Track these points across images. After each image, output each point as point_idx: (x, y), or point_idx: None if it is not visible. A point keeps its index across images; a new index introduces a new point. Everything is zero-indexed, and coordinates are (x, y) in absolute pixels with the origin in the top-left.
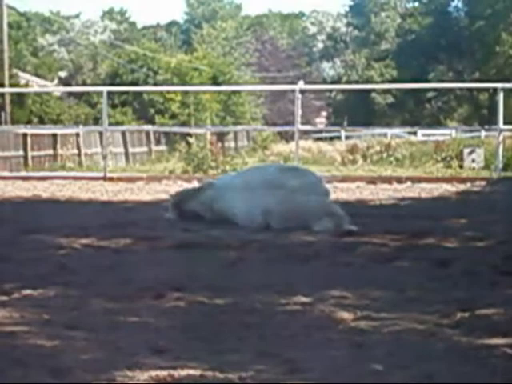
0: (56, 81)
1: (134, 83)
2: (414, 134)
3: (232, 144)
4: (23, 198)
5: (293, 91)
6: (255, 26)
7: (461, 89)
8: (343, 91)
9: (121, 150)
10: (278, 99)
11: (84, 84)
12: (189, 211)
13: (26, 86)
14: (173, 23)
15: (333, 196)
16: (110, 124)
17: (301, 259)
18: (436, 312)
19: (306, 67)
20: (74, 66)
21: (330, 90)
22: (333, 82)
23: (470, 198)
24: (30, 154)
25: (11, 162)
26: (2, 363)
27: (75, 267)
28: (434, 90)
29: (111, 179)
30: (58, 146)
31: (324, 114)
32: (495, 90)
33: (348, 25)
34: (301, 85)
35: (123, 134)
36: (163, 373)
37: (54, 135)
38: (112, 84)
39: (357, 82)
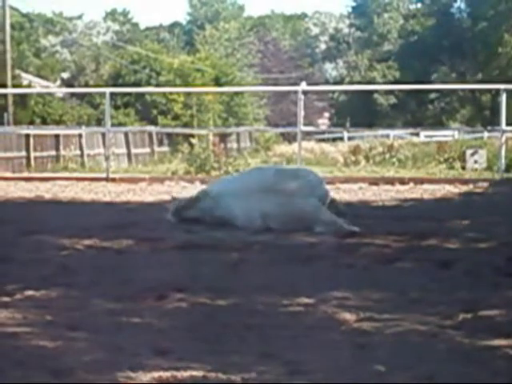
0: (58, 82)
1: (137, 84)
2: (417, 135)
3: (234, 145)
4: (26, 198)
5: (295, 92)
6: (258, 27)
7: (463, 90)
8: (346, 92)
9: (123, 150)
10: (280, 100)
11: (86, 85)
12: (189, 218)
13: (29, 86)
14: (175, 24)
15: (335, 197)
16: (113, 125)
17: (303, 260)
18: (438, 313)
19: (308, 68)
20: (76, 66)
21: (333, 91)
22: (335, 83)
23: (473, 199)
24: (32, 154)
25: (14, 163)
26: (4, 364)
27: (78, 268)
28: (437, 91)
29: (114, 180)
30: (61, 146)
31: (326, 115)
32: (498, 91)
33: (350, 26)
34: (303, 86)
35: (126, 134)
36: (166, 374)
37: (57, 136)
38: (114, 85)
39: (359, 83)
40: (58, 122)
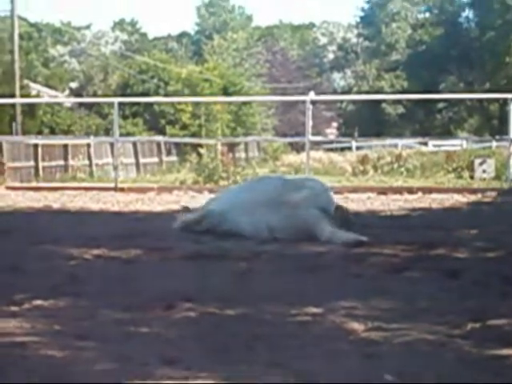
0: (67, 91)
1: (145, 94)
2: (425, 144)
3: (243, 155)
4: (34, 208)
5: (303, 102)
6: (266, 37)
7: (471, 99)
8: (354, 102)
9: (132, 160)
10: (288, 110)
11: (95, 95)
12: (197, 232)
13: (37, 96)
14: (184, 34)
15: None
16: (121, 135)
17: (311, 270)
18: (447, 322)
19: (316, 78)
20: (84, 76)
21: (341, 101)
22: (343, 93)
23: (481, 208)
24: (40, 164)
25: (22, 173)
26: (13, 373)
27: (86, 278)
28: (445, 100)
29: (122, 190)
30: (69, 156)
31: (335, 124)
32: (506, 100)
33: (359, 35)
34: (311, 95)
35: (134, 144)
36: (174, 383)
37: (65, 146)
38: (123, 95)
39: (367, 93)
40: (67, 132)
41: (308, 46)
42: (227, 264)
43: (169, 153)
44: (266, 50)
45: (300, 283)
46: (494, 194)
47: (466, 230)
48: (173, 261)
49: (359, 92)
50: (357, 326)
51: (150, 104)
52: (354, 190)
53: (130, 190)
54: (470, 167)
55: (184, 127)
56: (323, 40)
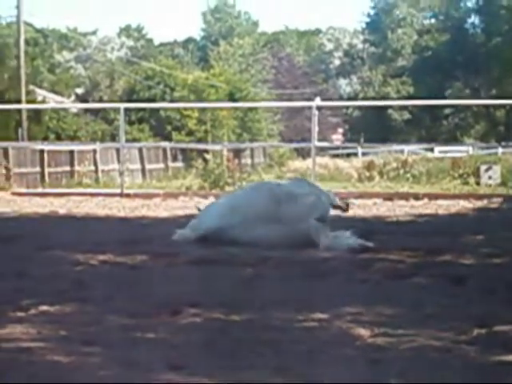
0: (73, 97)
1: (151, 100)
2: (431, 150)
3: (249, 160)
4: (40, 214)
5: (309, 108)
6: (272, 43)
7: (477, 105)
8: (360, 108)
9: (138, 166)
10: (294, 116)
11: (101, 100)
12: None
13: (43, 102)
14: (190, 40)
15: (350, 213)
16: (127, 141)
17: (317, 275)
18: (453, 329)
19: (322, 84)
20: (90, 82)
21: (347, 107)
22: (349, 99)
23: (487, 214)
24: (46, 170)
25: (28, 179)
26: (19, 379)
27: (92, 283)
28: (451, 106)
29: (128, 196)
30: (75, 162)
31: (340, 130)
32: None
33: (365, 41)
34: (317, 101)
35: (140, 150)
36: None
37: (71, 152)
38: (129, 101)
39: (373, 99)
40: (73, 138)
41: (314, 51)
42: (233, 269)
43: (175, 159)
44: (271, 56)
45: (306, 289)
46: (499, 200)
47: (472, 236)
48: (179, 266)
49: (365, 98)
50: (363, 331)
51: (156, 110)
52: (360, 196)
53: (136, 195)
54: (476, 173)
55: (190, 133)
56: (329, 46)
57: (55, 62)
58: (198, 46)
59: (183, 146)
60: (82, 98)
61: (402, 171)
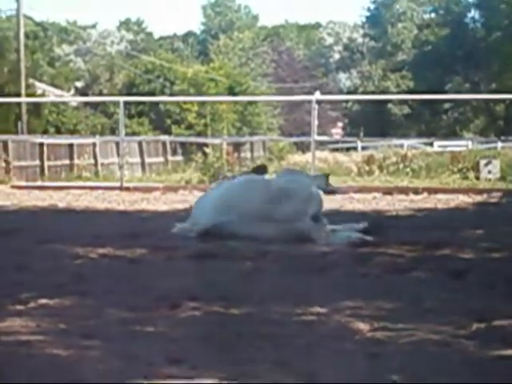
0: (72, 91)
1: (151, 93)
2: (431, 144)
3: (248, 154)
4: (39, 207)
5: (309, 102)
6: (272, 37)
7: (477, 100)
8: (359, 102)
9: (137, 160)
10: (294, 110)
11: (100, 94)
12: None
13: (43, 95)
14: (189, 34)
15: (349, 207)
16: (127, 134)
17: (316, 270)
18: (452, 323)
19: (322, 78)
20: (90, 76)
21: (347, 101)
22: (349, 93)
23: (487, 209)
24: (46, 163)
25: (27, 172)
26: (18, 372)
27: (91, 277)
28: (451, 101)
29: (127, 189)
30: (75, 155)
31: (340, 124)
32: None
33: (364, 35)
34: (317, 95)
35: (140, 144)
36: (180, 382)
37: (71, 145)
38: (128, 94)
39: (373, 93)
40: (72, 131)
41: (314, 45)
42: (232, 263)
43: (174, 152)
44: (271, 50)
45: (305, 283)
46: (499, 194)
47: (472, 230)
48: (178, 260)
49: (365, 92)
50: (362, 325)
51: (156, 103)
52: (360, 190)
53: (136, 189)
54: (476, 168)
55: (189, 127)
56: (329, 40)
57: (55, 55)
58: (197, 39)
59: (183, 139)
60: (81, 92)
61: (401, 165)
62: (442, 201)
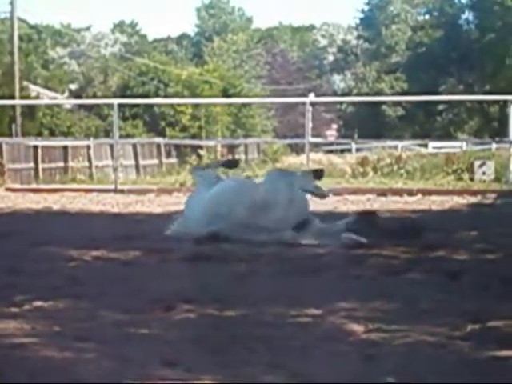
0: (66, 93)
1: (145, 96)
2: (425, 146)
3: (242, 156)
4: (34, 210)
5: (303, 104)
6: (266, 39)
7: (471, 101)
8: (354, 104)
9: (131, 162)
10: (288, 112)
11: (94, 96)
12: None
13: (37, 98)
14: (183, 36)
15: (343, 208)
16: (121, 136)
17: (311, 271)
18: (447, 324)
19: (316, 80)
20: (84, 78)
21: (341, 103)
22: (343, 95)
23: (481, 210)
24: (40, 166)
25: (22, 174)
26: (12, 375)
27: (86, 279)
28: (445, 102)
29: (122, 191)
30: (69, 158)
31: (334, 126)
32: (506, 102)
33: (358, 37)
34: (311, 97)
35: (134, 146)
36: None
37: (65, 147)
38: (123, 96)
39: (367, 95)
40: (66, 134)
41: (308, 47)
42: (227, 266)
43: (169, 155)
44: (265, 52)
45: (300, 285)
46: (493, 195)
47: (466, 231)
48: (172, 262)
49: (359, 94)
50: (357, 327)
51: (150, 106)
52: (354, 192)
53: (130, 191)
54: (470, 169)
55: (184, 129)
56: (323, 42)
57: (49, 58)
58: (191, 41)
59: (177, 141)
60: (75, 94)
61: (395, 167)
62: (436, 202)
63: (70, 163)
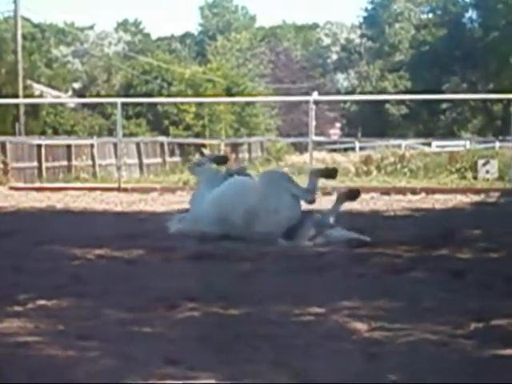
0: (70, 92)
1: (148, 94)
2: (428, 145)
3: (246, 155)
4: (37, 208)
5: (307, 102)
6: (269, 38)
7: (475, 100)
8: (357, 102)
9: (135, 161)
10: (291, 110)
11: (98, 95)
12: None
13: (40, 97)
14: (187, 34)
15: (347, 207)
16: (124, 135)
17: (315, 270)
18: (450, 323)
19: (319, 78)
20: (88, 77)
21: (344, 101)
22: (347, 93)
23: (485, 209)
24: (44, 164)
25: (25, 173)
26: (15, 373)
27: (89, 278)
28: (448, 101)
29: (125, 190)
30: (73, 157)
31: (338, 125)
32: (509, 101)
33: (362, 36)
34: (315, 96)
35: (137, 145)
36: (177, 383)
37: (69, 146)
38: (126, 95)
39: (371, 93)
40: (70, 133)
41: (311, 46)
42: (231, 264)
43: (172, 153)
44: (269, 51)
45: (304, 283)
46: (497, 194)
47: (470, 230)
48: (176, 261)
49: (362, 92)
50: (360, 325)
51: (154, 104)
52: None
53: (133, 190)
54: (474, 168)
55: (187, 128)
56: (327, 40)
57: (52, 56)
58: (195, 40)
59: (181, 140)
60: (79, 93)
61: (399, 166)
62: (439, 201)
63: (74, 162)
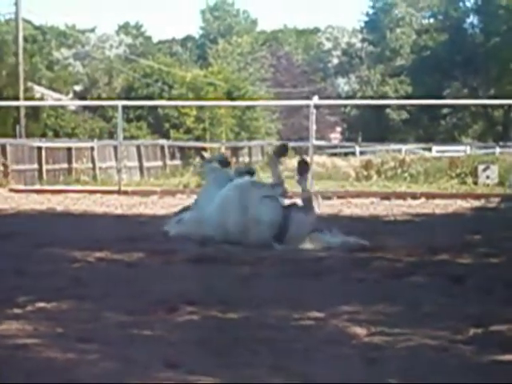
0: (71, 95)
1: (149, 97)
2: (429, 150)
3: (246, 159)
4: (37, 211)
5: (307, 106)
6: (270, 42)
7: (475, 105)
8: (358, 107)
9: (135, 164)
10: (292, 114)
11: (99, 98)
12: None
13: (41, 99)
14: (188, 38)
15: (347, 211)
16: (125, 138)
17: (314, 274)
18: (449, 328)
19: (320, 83)
20: (89, 79)
21: (345, 106)
22: (347, 98)
23: (485, 214)
24: (44, 167)
25: (26, 176)
26: (15, 376)
27: (89, 280)
28: (449, 106)
29: (126, 193)
30: (73, 159)
31: (338, 129)
32: (510, 106)
33: (363, 40)
34: (315, 100)
35: (138, 148)
36: None
37: (69, 149)
38: (127, 98)
39: (371, 98)
40: (70, 135)
41: (312, 50)
42: (231, 268)
43: (172, 156)
44: (270, 55)
45: (303, 287)
46: (497, 199)
47: (470, 235)
48: (176, 264)
49: (363, 97)
50: (359, 330)
51: (154, 107)
52: (358, 195)
53: (134, 193)
54: (474, 173)
55: (188, 131)
56: (328, 45)
57: (53, 59)
58: (196, 43)
59: (181, 143)
60: (80, 96)
61: (399, 170)
62: (439, 206)
63: (74, 164)
